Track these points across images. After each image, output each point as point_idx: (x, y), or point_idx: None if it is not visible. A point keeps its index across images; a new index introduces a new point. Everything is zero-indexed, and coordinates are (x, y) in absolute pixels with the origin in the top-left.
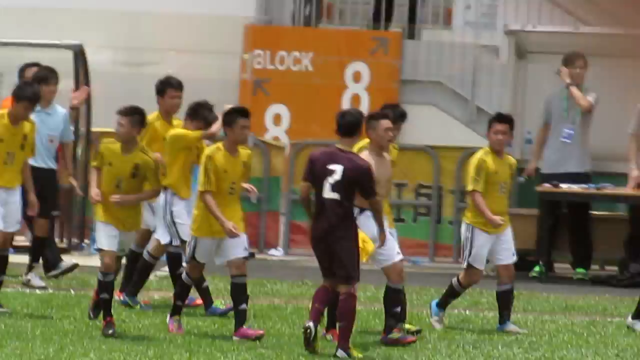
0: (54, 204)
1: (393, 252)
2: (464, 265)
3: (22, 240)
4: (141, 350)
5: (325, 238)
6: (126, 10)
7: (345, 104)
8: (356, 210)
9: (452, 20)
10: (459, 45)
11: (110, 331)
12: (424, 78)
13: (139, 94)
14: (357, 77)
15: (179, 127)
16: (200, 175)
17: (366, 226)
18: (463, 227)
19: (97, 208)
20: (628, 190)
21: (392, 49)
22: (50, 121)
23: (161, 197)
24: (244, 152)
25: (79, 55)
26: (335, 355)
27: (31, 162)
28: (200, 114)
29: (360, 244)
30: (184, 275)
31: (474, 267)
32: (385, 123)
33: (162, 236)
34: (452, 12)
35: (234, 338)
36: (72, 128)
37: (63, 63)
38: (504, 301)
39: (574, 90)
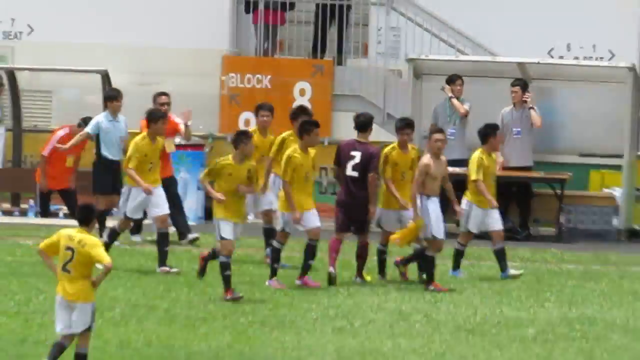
0: (121, 183)
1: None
2: (463, 229)
3: None
4: (153, 287)
5: (347, 202)
6: (138, 45)
7: None
8: (423, 197)
9: (368, 51)
10: (373, 69)
11: (238, 295)
12: (349, 93)
13: (148, 106)
14: (302, 93)
15: (273, 140)
16: (282, 169)
17: (431, 209)
18: (464, 203)
19: (217, 208)
20: None
21: (326, 72)
22: (119, 127)
23: (272, 180)
24: (312, 151)
25: (105, 78)
26: (354, 281)
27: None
28: (300, 116)
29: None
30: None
31: (470, 231)
32: (436, 136)
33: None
34: (368, 46)
35: (297, 282)
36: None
37: (93, 84)
38: (500, 255)
39: (455, 101)
